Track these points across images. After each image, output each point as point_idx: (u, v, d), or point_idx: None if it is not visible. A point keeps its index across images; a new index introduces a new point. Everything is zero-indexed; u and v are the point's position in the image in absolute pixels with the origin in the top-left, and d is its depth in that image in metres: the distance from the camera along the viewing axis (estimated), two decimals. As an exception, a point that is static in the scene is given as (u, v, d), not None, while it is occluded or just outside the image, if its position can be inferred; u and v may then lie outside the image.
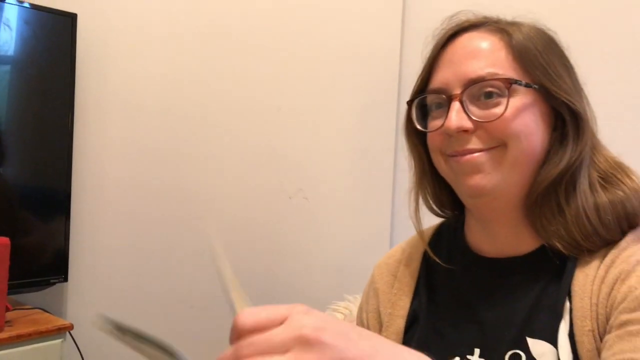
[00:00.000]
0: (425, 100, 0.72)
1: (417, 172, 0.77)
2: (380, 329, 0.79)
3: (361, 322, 0.83)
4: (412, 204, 0.77)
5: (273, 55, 1.85)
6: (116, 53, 1.68)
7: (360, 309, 0.84)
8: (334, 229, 1.94)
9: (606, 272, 0.64)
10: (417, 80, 0.73)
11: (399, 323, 0.76)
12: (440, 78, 0.69)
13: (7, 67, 1.45)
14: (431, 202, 0.78)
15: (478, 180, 0.67)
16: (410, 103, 0.73)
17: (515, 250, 0.71)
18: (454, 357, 0.70)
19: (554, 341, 0.64)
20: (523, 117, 0.66)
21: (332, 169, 1.94)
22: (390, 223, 1.96)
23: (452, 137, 0.68)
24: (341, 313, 1.58)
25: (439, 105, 0.70)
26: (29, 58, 1.49)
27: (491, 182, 0.67)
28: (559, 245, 0.66)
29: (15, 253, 1.27)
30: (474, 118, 0.66)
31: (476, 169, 0.67)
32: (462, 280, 0.74)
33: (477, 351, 0.69)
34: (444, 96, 0.68)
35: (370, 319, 0.80)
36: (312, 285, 1.85)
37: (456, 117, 0.66)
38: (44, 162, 1.56)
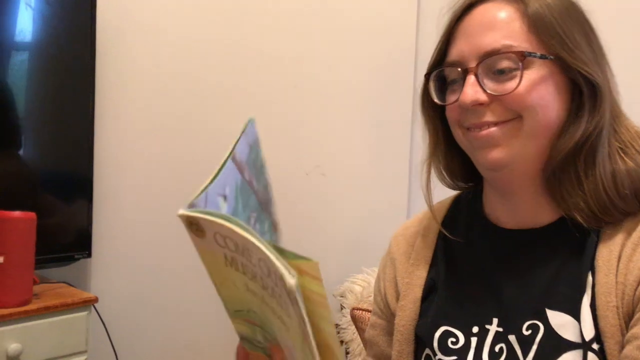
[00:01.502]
0: (444, 73, 0.72)
1: (430, 144, 0.77)
2: (397, 297, 0.80)
3: (379, 291, 0.84)
4: (424, 176, 0.77)
5: (289, 33, 1.85)
6: (136, 31, 1.68)
7: (378, 279, 0.86)
8: (351, 204, 1.95)
9: (633, 250, 0.64)
10: (434, 53, 0.73)
11: (416, 292, 0.77)
12: (456, 51, 0.69)
13: (29, 48, 1.46)
14: (444, 173, 0.78)
15: (495, 154, 0.67)
16: (427, 76, 0.73)
17: (534, 221, 0.71)
18: (473, 326, 0.71)
19: (575, 314, 0.64)
20: (538, 90, 0.66)
21: (349, 144, 1.95)
22: (407, 196, 1.97)
23: (468, 110, 0.68)
24: (359, 285, 1.60)
25: (456, 79, 0.70)
26: (50, 38, 1.49)
27: (508, 155, 0.67)
28: (578, 218, 0.66)
29: (41, 231, 1.28)
30: (488, 91, 0.66)
31: (493, 143, 0.67)
32: (480, 251, 0.75)
33: (495, 321, 0.69)
34: (459, 69, 0.69)
35: (388, 288, 0.81)
36: (331, 259, 1.86)
37: (471, 90, 0.66)
38: (66, 143, 1.57)
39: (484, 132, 0.67)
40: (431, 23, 1.93)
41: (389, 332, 0.81)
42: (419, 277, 0.78)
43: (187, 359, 1.80)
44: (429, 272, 0.78)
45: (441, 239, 0.79)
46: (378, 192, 1.95)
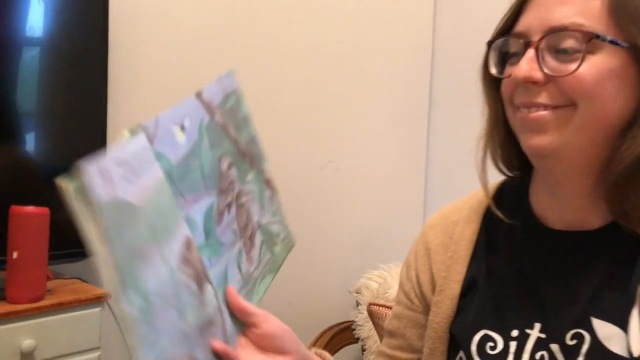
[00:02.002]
0: (507, 43, 0.66)
1: (489, 120, 0.71)
2: (433, 290, 0.76)
3: (408, 280, 0.80)
4: (480, 153, 0.71)
5: (304, 25, 1.83)
6: (150, 24, 1.66)
7: (408, 267, 0.81)
8: (367, 200, 1.93)
9: None
10: (502, 20, 0.67)
11: (454, 288, 0.73)
12: (524, 21, 0.64)
13: (41, 42, 1.45)
14: (498, 155, 0.72)
15: (539, 140, 0.62)
16: (489, 44, 0.67)
17: (584, 223, 0.66)
18: (512, 330, 0.67)
19: (623, 325, 0.60)
20: (602, 78, 0.60)
21: (364, 139, 1.93)
22: (423, 192, 1.95)
23: (521, 87, 0.63)
24: (375, 282, 1.59)
25: (517, 52, 0.64)
26: (62, 32, 1.48)
27: (553, 144, 0.61)
28: (638, 229, 0.61)
29: (54, 226, 1.27)
30: (545, 70, 0.61)
31: (539, 128, 0.62)
32: (524, 249, 0.70)
33: (537, 326, 0.66)
34: (521, 41, 0.63)
35: (423, 279, 0.77)
36: (346, 256, 1.86)
37: (526, 66, 0.61)
38: (79, 137, 1.56)
39: (533, 114, 0.62)
40: (448, 16, 1.94)
41: (419, 324, 0.78)
42: (458, 272, 0.73)
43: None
44: (469, 268, 0.73)
45: (483, 232, 0.74)
46: (394, 187, 1.93)
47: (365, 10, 1.87)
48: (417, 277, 0.78)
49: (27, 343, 1.20)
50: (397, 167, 1.94)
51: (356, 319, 1.59)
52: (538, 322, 0.66)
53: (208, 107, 0.64)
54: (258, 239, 0.70)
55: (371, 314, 1.32)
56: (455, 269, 0.74)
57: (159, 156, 0.56)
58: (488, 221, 0.74)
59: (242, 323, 0.63)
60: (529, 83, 0.62)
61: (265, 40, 1.79)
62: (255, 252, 0.69)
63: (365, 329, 1.53)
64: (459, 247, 0.75)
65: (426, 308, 0.77)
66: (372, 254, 1.79)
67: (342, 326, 1.64)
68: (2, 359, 1.17)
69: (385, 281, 1.55)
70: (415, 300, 0.78)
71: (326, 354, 0.74)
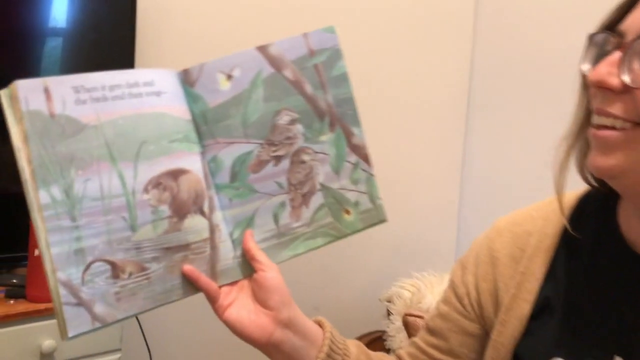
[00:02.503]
0: (606, 40, 0.60)
1: (576, 120, 0.64)
2: (494, 304, 0.71)
3: (462, 283, 0.75)
4: (560, 156, 0.64)
5: (340, 24, 1.78)
6: (178, 14, 1.63)
7: (464, 268, 0.75)
8: (398, 203, 1.87)
9: None
10: (609, 13, 0.61)
11: (524, 308, 0.67)
12: (629, 19, 0.58)
13: (67, 33, 1.44)
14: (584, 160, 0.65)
15: (602, 161, 0.57)
16: (589, 38, 0.61)
17: None
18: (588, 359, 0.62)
19: None
20: None
21: (396, 139, 1.88)
22: (458, 196, 1.90)
23: (599, 91, 0.57)
24: (408, 291, 1.53)
25: (611, 50, 0.58)
26: (88, 22, 1.47)
27: (618, 166, 0.56)
28: None
29: None
30: (623, 77, 0.55)
31: (605, 148, 0.57)
32: (607, 273, 0.65)
33: (617, 359, 0.61)
34: (615, 40, 0.58)
35: (483, 287, 0.72)
36: (377, 262, 1.81)
37: (605, 68, 0.56)
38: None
39: (601, 132, 0.57)
40: (489, 17, 1.88)
41: (466, 331, 0.74)
42: (530, 291, 0.68)
43: (223, 358, 1.75)
44: (543, 287, 0.68)
45: (561, 249, 0.68)
46: (428, 192, 1.88)
47: (404, 9, 1.81)
48: (477, 284, 0.73)
49: (48, 343, 1.18)
50: (432, 171, 1.88)
51: (387, 329, 1.53)
52: (618, 354, 0.60)
53: (273, 61, 0.69)
54: (317, 199, 0.72)
55: (407, 325, 1.26)
56: (527, 287, 0.68)
57: (196, 97, 0.66)
58: (567, 236, 0.68)
59: (252, 268, 0.68)
60: (605, 89, 0.56)
61: (290, 22, 1.74)
62: (306, 211, 0.71)
63: (397, 340, 1.48)
64: (532, 263, 0.69)
65: (479, 318, 0.73)
66: (405, 261, 1.74)
67: (372, 336, 1.59)
68: (21, 359, 1.16)
69: (418, 290, 1.50)
70: (469, 307, 0.74)
71: (324, 321, 0.73)
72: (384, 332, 1.53)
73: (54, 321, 1.16)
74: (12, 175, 1.36)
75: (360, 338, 1.59)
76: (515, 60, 1.82)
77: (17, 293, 1.21)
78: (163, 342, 1.64)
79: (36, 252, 1.16)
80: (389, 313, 1.56)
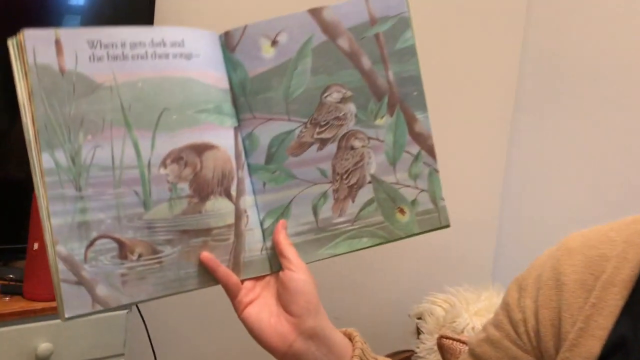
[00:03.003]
0: None
1: None
2: (556, 337, 0.62)
3: (519, 308, 0.66)
4: None
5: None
6: None
7: (522, 290, 0.67)
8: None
9: None
10: None
11: (593, 346, 0.59)
12: None
13: (83, 10, 1.42)
14: None
15: None
16: None
17: None
18: None
19: None
20: None
21: (437, 144, 1.79)
22: (499, 205, 1.83)
23: None
24: (441, 307, 1.45)
25: None
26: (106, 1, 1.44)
27: None
28: None
29: None
30: None
31: None
32: None
33: None
34: None
35: (544, 316, 0.64)
36: (407, 273, 1.74)
37: None
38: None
39: None
40: (540, 18, 1.83)
41: None
42: (602, 327, 0.59)
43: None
44: (618, 323, 0.59)
45: None
46: (466, 198, 1.81)
47: (453, 8, 1.75)
48: (536, 311, 0.64)
49: (44, 347, 1.12)
50: (473, 178, 1.81)
51: (417, 350, 1.44)
52: None
53: (327, 27, 0.62)
54: (365, 193, 0.65)
55: (442, 348, 1.17)
56: (598, 321, 0.60)
57: (236, 64, 0.61)
58: None
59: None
60: None
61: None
62: (351, 206, 0.65)
63: (428, 362, 1.39)
64: (607, 294, 0.60)
65: (536, 351, 0.64)
66: (438, 274, 1.68)
67: (399, 356, 1.50)
68: (14, 363, 1.10)
69: (452, 307, 1.42)
70: (524, 337, 0.65)
71: (355, 334, 0.67)
72: (412, 352, 1.44)
73: (52, 322, 1.13)
74: (17, 161, 1.34)
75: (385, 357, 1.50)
76: (565, 63, 1.79)
77: (13, 289, 1.14)
78: (170, 347, 1.58)
79: (35, 246, 1.10)
80: (419, 331, 1.47)
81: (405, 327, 1.61)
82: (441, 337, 1.17)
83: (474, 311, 1.39)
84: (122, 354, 1.24)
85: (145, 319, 1.44)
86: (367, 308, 1.74)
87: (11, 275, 1.16)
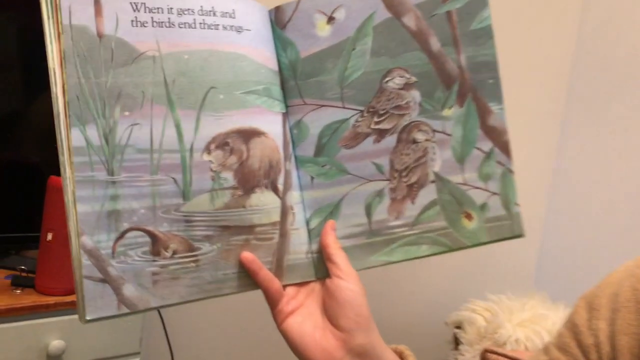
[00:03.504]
0: None
1: None
2: None
3: (590, 331, 0.59)
4: None
5: None
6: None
7: (592, 310, 0.60)
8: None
9: None
10: None
11: None
12: None
13: None
14: None
15: None
16: None
17: None
18: None
19: None
20: None
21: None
22: (545, 208, 1.78)
23: None
24: (480, 315, 1.38)
25: None
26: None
27: None
28: None
29: None
30: None
31: None
32: None
33: None
34: None
35: (622, 343, 0.56)
36: (445, 277, 1.69)
37: None
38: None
39: None
40: (595, 18, 1.78)
41: None
42: None
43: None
44: None
45: None
46: None
47: (508, 5, 1.71)
48: (612, 336, 0.58)
49: (55, 344, 1.08)
50: (518, 179, 1.72)
51: None
52: None
53: (391, 2, 0.57)
54: (427, 194, 0.60)
55: None
56: None
57: (286, 43, 0.57)
58: None
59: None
60: None
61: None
62: (411, 207, 0.60)
63: (467, 375, 1.31)
64: None
65: None
66: (478, 280, 1.61)
67: None
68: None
69: (495, 317, 1.35)
70: None
71: (407, 353, 0.65)
72: (450, 363, 1.36)
73: (64, 318, 1.09)
74: (31, 144, 1.29)
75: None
76: (618, 65, 1.74)
77: (25, 281, 1.10)
78: (188, 346, 1.55)
79: (49, 237, 1.07)
80: (456, 341, 1.40)
81: (440, 335, 1.56)
82: (486, 351, 1.10)
83: (517, 322, 1.31)
84: (138, 353, 1.22)
85: (162, 316, 1.41)
86: (400, 312, 1.70)
87: (23, 267, 1.12)
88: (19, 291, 1.08)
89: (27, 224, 1.21)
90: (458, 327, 1.42)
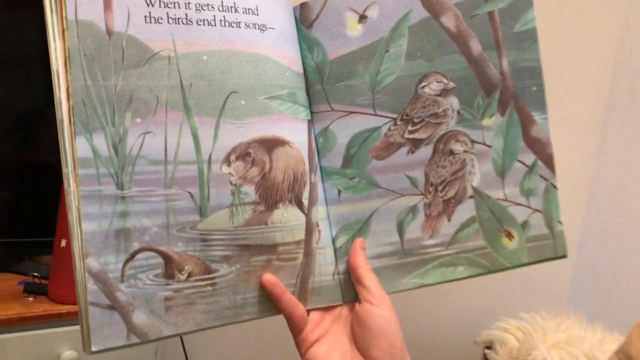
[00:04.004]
0: None
1: None
2: None
3: None
4: None
5: None
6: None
7: None
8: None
9: None
10: None
11: None
12: None
13: None
14: None
15: None
16: None
17: None
18: None
19: None
20: None
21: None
22: (581, 225, 1.73)
23: None
24: (512, 334, 1.34)
25: None
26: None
27: None
28: None
29: None
30: None
31: None
32: None
33: None
34: None
35: None
36: (475, 294, 1.65)
37: None
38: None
39: None
40: (636, 31, 1.71)
41: None
42: None
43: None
44: None
45: None
46: None
47: (549, 13, 1.69)
48: None
49: (68, 354, 1.06)
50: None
51: None
52: None
53: (429, 1, 0.54)
54: (465, 210, 0.57)
55: None
56: None
57: (312, 43, 0.54)
58: None
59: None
60: None
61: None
62: (447, 225, 0.57)
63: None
64: None
65: None
66: (510, 297, 1.58)
67: None
68: (34, 371, 1.06)
69: (528, 337, 1.30)
70: None
71: None
72: (478, 384, 1.32)
73: (77, 327, 1.06)
74: (47, 144, 1.28)
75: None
76: None
77: (38, 288, 1.09)
78: (206, 359, 1.52)
79: (63, 243, 1.05)
80: None
81: (468, 355, 1.52)
82: (518, 374, 1.06)
83: (552, 343, 1.27)
84: (154, 366, 1.20)
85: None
86: (425, 329, 1.66)
87: (36, 273, 1.11)
88: (31, 299, 1.06)
89: (43, 228, 1.19)
90: (488, 347, 1.38)
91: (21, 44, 1.17)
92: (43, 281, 1.09)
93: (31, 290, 1.07)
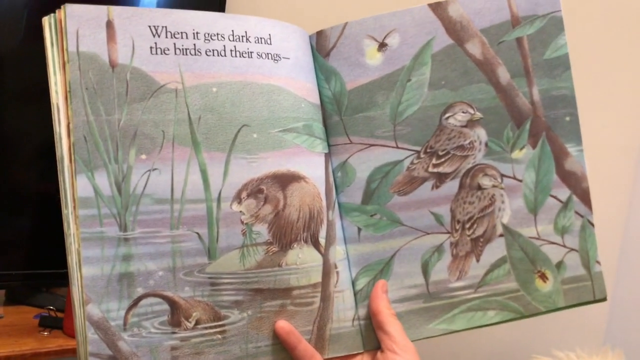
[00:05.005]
0: None
1: None
2: None
3: None
4: None
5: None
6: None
7: None
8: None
9: None
10: None
11: None
12: None
13: None
14: None
15: None
16: None
17: None
18: None
19: None
20: None
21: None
22: (617, 258, 1.64)
23: None
24: None
25: None
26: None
27: None
28: None
29: None
30: None
31: None
32: None
33: None
34: None
35: None
36: (507, 331, 1.56)
37: None
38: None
39: None
40: None
41: None
42: None
43: None
44: None
45: None
46: None
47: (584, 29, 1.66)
48: None
49: None
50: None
51: None
52: None
53: (452, 27, 0.52)
54: (495, 250, 0.54)
55: None
56: None
57: (330, 73, 0.52)
58: None
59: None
60: None
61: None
62: (475, 266, 0.54)
63: None
64: None
65: None
66: (543, 332, 1.54)
67: None
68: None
69: None
70: None
71: None
72: None
73: None
74: None
75: None
76: None
77: (53, 322, 1.09)
78: None
79: None
80: None
81: None
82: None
83: (587, 383, 1.20)
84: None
85: None
86: None
87: (51, 307, 1.10)
88: (46, 333, 1.05)
89: (60, 259, 1.20)
90: (521, 387, 1.32)
91: (44, 75, 1.18)
92: (59, 314, 1.08)
93: (46, 324, 1.07)
